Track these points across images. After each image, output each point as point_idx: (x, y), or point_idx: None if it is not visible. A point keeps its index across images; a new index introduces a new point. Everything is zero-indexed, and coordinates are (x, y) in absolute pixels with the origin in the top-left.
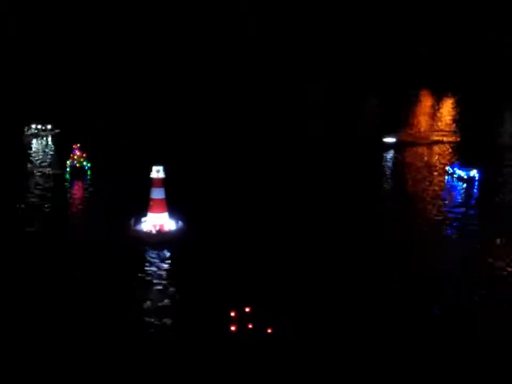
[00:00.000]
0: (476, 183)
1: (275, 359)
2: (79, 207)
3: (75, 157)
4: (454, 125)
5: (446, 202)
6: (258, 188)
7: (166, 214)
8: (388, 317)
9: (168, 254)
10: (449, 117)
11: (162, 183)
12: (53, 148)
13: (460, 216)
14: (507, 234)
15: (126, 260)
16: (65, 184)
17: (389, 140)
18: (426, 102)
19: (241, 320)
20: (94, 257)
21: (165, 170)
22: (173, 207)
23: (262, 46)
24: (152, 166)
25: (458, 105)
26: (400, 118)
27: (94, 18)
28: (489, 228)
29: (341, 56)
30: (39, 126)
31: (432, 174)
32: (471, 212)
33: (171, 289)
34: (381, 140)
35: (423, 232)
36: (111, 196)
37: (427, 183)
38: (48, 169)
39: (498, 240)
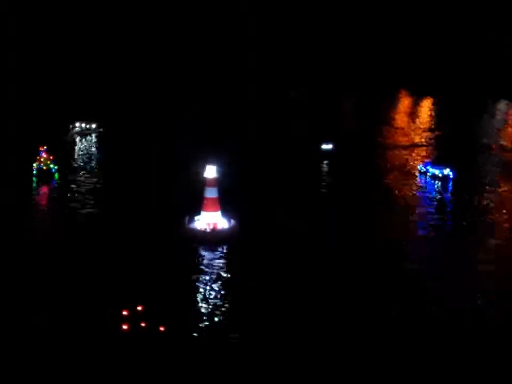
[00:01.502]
0: (451, 182)
1: None
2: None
3: (42, 160)
4: (428, 126)
5: (426, 201)
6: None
7: (219, 213)
8: (382, 316)
9: (222, 252)
10: (423, 118)
11: (216, 182)
12: (90, 148)
13: (444, 215)
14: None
15: (181, 256)
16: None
17: (326, 146)
18: (404, 102)
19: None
20: (150, 253)
21: (218, 170)
22: (225, 206)
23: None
24: (205, 166)
25: (437, 106)
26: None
27: (96, 18)
28: (477, 226)
29: (337, 56)
30: (83, 125)
31: (405, 174)
32: (454, 210)
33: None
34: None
35: (412, 232)
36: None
37: (401, 183)
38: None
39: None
